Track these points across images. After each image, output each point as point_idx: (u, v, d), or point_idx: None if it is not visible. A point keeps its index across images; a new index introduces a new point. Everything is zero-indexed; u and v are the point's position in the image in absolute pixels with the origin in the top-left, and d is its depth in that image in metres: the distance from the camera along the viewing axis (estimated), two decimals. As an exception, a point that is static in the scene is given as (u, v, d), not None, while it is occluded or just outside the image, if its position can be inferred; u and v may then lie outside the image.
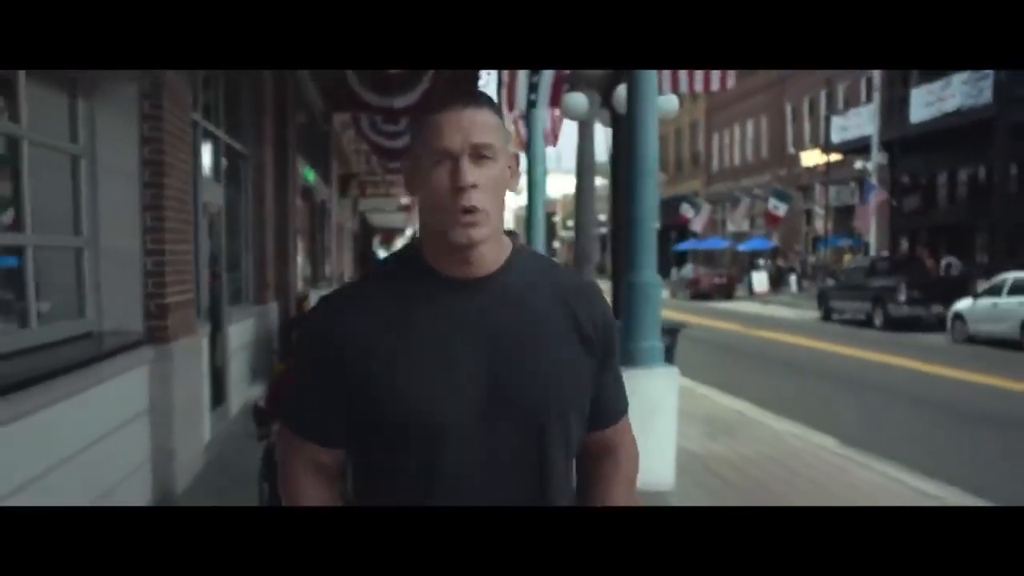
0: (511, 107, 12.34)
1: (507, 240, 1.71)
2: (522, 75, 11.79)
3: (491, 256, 1.65)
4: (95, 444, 4.88)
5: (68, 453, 4.52)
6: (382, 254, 44.45)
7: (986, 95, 24.01)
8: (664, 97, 9.27)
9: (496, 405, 1.60)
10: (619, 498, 1.78)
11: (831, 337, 20.49)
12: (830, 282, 27.70)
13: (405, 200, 30.06)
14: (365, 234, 40.40)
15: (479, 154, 1.57)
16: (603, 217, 61.68)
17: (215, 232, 8.65)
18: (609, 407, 1.79)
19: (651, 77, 6.43)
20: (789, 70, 37.63)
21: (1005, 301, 17.81)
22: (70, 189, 5.52)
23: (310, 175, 15.62)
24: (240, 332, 9.42)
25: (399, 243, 50.36)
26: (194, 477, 6.32)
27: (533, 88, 11.76)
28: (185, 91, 6.45)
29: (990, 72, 23.63)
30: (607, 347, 1.74)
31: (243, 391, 9.30)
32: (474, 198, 1.56)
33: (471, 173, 1.56)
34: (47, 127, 5.21)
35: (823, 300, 25.84)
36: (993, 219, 24.81)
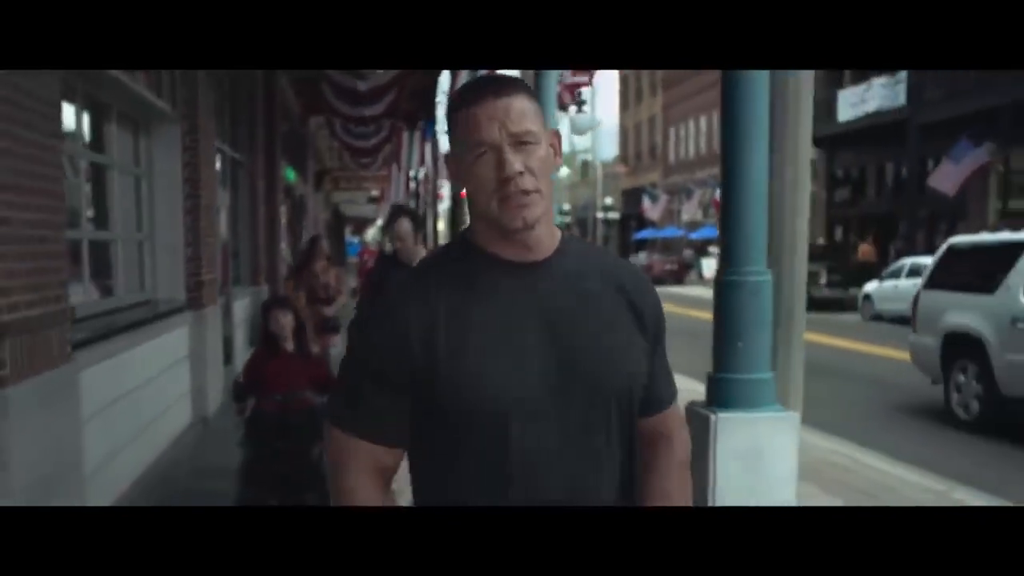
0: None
1: (555, 227, 1.71)
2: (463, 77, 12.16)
3: (547, 239, 1.66)
4: (156, 378, 7.14)
5: (141, 382, 6.76)
6: (355, 241, 46.78)
7: (900, 97, 26.59)
8: (584, 116, 11.39)
9: (564, 385, 1.59)
10: (674, 483, 1.79)
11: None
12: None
13: (375, 192, 32.32)
14: (338, 224, 42.65)
15: (520, 141, 1.57)
16: (566, 207, 63.57)
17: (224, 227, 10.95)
18: (659, 393, 1.79)
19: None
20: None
21: (904, 283, 20.29)
22: (135, 200, 7.78)
23: (291, 175, 17.90)
24: (240, 308, 11.69)
25: (370, 232, 52.68)
26: (219, 406, 8.62)
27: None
28: (212, 126, 8.75)
29: (904, 76, 26.22)
30: (657, 332, 1.75)
31: (243, 355, 11.59)
32: (523, 183, 1.56)
33: (516, 161, 1.56)
34: (122, 157, 7.46)
35: (758, 284, 28.34)
36: (910, 209, 27.40)
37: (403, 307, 1.61)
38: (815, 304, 24.35)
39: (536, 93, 7.06)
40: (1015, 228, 8.99)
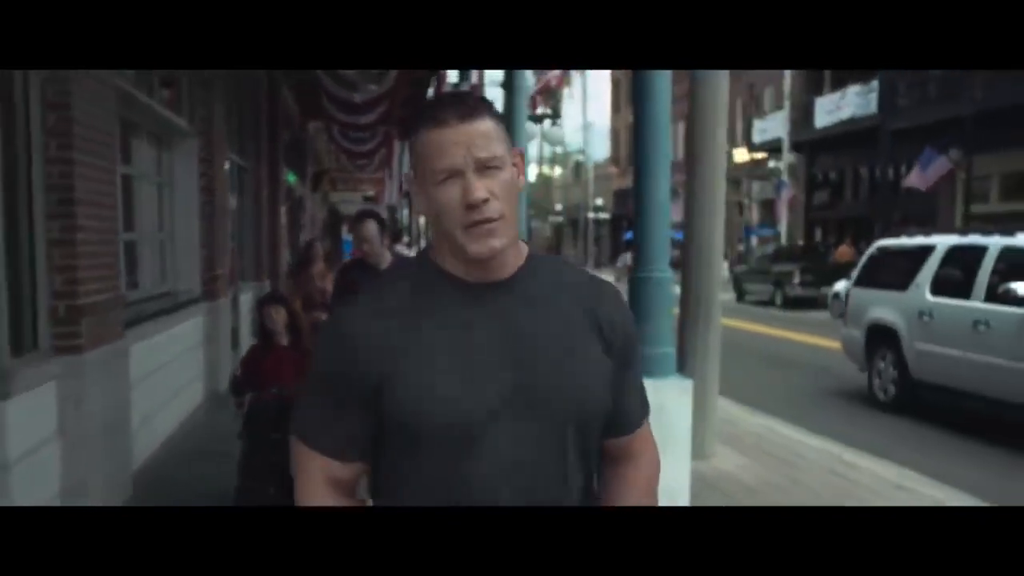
0: None
1: (522, 243, 1.69)
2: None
3: (511, 259, 1.63)
4: (180, 357, 8.33)
5: (169, 359, 7.95)
6: (350, 239, 48.00)
7: (872, 105, 27.84)
8: (554, 129, 12.48)
9: (521, 406, 1.56)
10: (636, 500, 1.75)
11: (738, 314, 24.14)
12: (741, 267, 31.41)
13: (370, 193, 33.47)
14: (334, 222, 43.81)
15: (486, 166, 1.54)
16: (559, 207, 64.47)
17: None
18: (629, 413, 1.75)
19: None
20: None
21: (869, 283, 21.54)
22: (157, 205, 8.97)
23: (291, 178, 19.08)
24: (245, 301, 12.87)
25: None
26: (228, 383, 9.80)
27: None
28: (224, 140, 9.95)
29: (876, 84, 27.47)
30: (626, 350, 1.71)
31: (247, 342, 12.77)
32: (488, 210, 1.54)
33: (481, 188, 1.54)
34: (146, 168, 8.65)
35: (737, 283, 29.58)
36: (884, 212, 28.63)
37: (358, 325, 1.60)
38: (789, 303, 25.64)
39: (511, 96, 8.08)
40: (984, 231, 9.96)
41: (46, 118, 4.69)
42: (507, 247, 1.60)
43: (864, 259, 11.04)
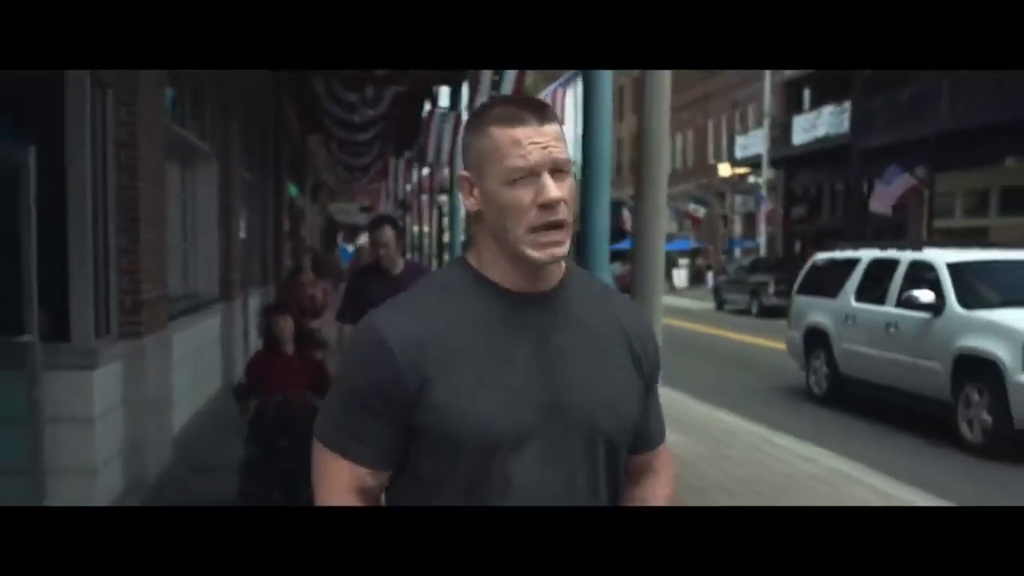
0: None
1: None
2: (485, 79, 12.19)
3: (555, 271, 1.63)
4: (203, 349, 9.64)
5: (195, 349, 9.26)
6: (348, 248, 49.53)
7: (845, 125, 29.35)
8: None
9: (554, 422, 1.56)
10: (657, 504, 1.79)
11: (714, 322, 25.53)
12: (721, 278, 32.82)
13: (366, 204, 35.00)
14: (330, 230, 45.29)
15: (559, 169, 1.54)
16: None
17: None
18: (652, 431, 1.78)
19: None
20: (711, 88, 43.12)
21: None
22: (182, 217, 10.31)
23: (293, 190, 20.46)
24: (253, 303, 14.21)
25: (362, 238, 55.53)
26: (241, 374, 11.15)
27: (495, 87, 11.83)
28: (238, 161, 11.30)
29: (848, 105, 28.96)
30: (653, 373, 1.73)
31: (255, 341, 14.11)
32: (561, 211, 1.53)
33: (556, 189, 1.53)
34: (174, 186, 9.98)
35: (717, 293, 31.01)
36: (856, 226, 30.07)
37: (396, 332, 1.56)
38: (764, 311, 27.05)
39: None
40: (902, 246, 11.26)
41: (119, 155, 6.04)
42: (564, 257, 1.60)
43: (805, 270, 12.45)
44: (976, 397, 8.50)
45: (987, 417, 8.35)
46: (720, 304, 30.36)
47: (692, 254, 46.16)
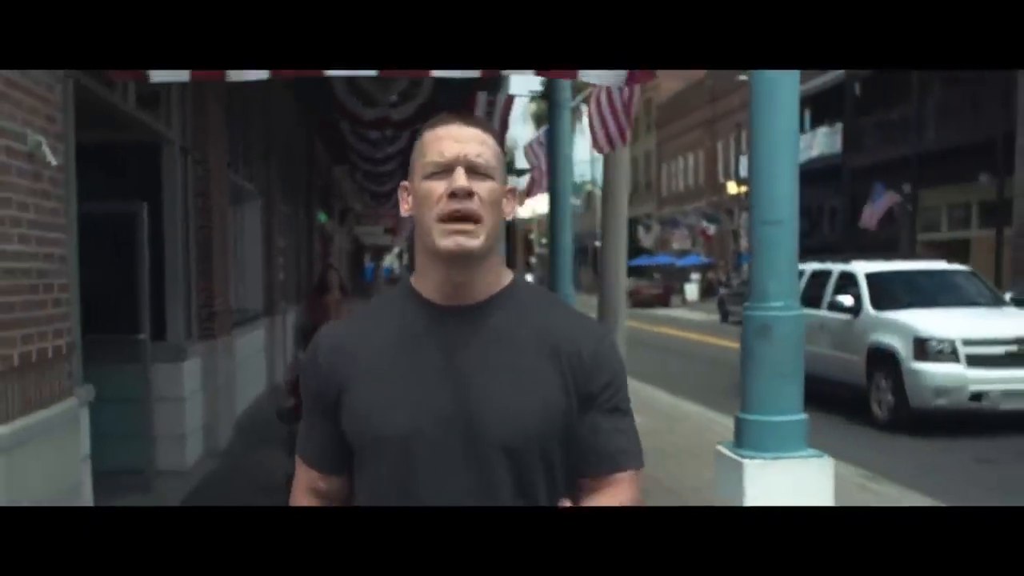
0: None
1: (507, 272, 1.71)
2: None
3: (481, 285, 1.65)
4: (252, 356, 11.66)
5: (248, 355, 11.26)
6: (371, 266, 52.08)
7: (837, 145, 31.21)
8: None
9: (455, 433, 1.60)
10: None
11: (715, 332, 27.33)
12: (725, 291, 34.65)
13: (389, 225, 37.08)
14: (357, 252, 47.58)
15: (475, 169, 1.57)
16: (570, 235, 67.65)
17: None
18: (600, 455, 1.68)
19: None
20: (718, 111, 45.04)
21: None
22: (235, 246, 12.39)
23: (323, 217, 22.57)
24: (289, 318, 16.29)
25: (387, 258, 58.07)
26: (281, 377, 13.20)
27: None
28: (278, 197, 13.41)
29: (840, 126, 30.85)
30: (598, 392, 1.67)
31: (289, 355, 16.18)
32: (469, 203, 1.56)
33: (467, 181, 1.56)
34: (230, 222, 12.07)
35: (722, 305, 32.85)
36: (852, 240, 31.88)
37: (329, 346, 1.69)
38: (763, 321, 28.82)
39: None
40: (843, 259, 13.17)
41: (196, 203, 8.12)
42: (477, 256, 1.60)
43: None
44: (883, 382, 10.43)
45: (891, 398, 10.28)
46: (724, 316, 32.13)
47: (704, 269, 48.02)
